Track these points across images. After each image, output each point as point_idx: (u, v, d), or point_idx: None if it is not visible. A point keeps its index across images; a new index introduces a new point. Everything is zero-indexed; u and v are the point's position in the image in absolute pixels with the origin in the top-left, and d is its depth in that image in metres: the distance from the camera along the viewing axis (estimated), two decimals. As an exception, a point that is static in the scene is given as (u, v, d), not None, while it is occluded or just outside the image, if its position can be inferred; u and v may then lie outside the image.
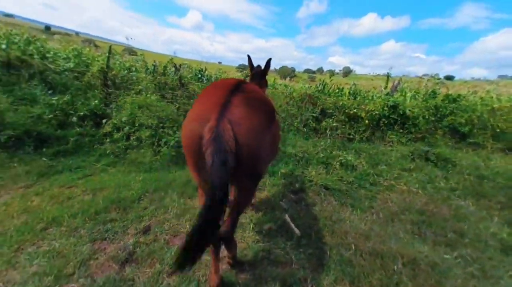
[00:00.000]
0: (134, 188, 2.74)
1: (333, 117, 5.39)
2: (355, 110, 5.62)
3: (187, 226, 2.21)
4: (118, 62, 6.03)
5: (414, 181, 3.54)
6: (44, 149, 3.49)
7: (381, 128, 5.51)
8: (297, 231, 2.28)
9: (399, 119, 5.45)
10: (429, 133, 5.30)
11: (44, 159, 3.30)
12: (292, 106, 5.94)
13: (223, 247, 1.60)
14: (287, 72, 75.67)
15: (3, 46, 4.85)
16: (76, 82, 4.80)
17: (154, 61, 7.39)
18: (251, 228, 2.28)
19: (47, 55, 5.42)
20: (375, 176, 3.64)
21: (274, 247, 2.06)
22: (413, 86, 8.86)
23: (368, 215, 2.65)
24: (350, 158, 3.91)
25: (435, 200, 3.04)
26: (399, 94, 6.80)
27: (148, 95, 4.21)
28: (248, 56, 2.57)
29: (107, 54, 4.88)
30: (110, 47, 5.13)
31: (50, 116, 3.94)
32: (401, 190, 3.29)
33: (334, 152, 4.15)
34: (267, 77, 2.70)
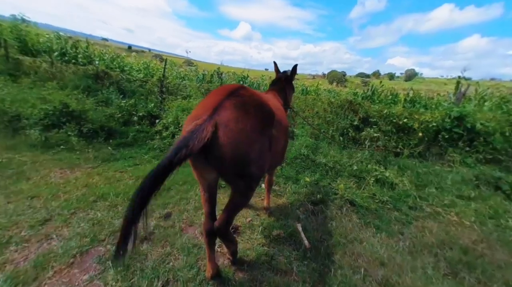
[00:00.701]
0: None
1: (376, 126, 4.87)
2: (405, 120, 4.96)
3: (202, 219, 2.37)
4: (175, 73, 7.01)
5: (471, 213, 2.88)
6: (110, 141, 4.30)
7: (440, 144, 4.69)
8: (306, 242, 2.17)
9: (466, 134, 4.52)
10: (508, 155, 4.21)
11: (109, 148, 4.07)
12: (329, 113, 5.65)
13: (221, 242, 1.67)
14: (336, 77, 71.94)
15: (96, 62, 6.30)
16: (141, 89, 5.78)
17: (203, 71, 8.23)
18: (260, 231, 2.29)
19: (125, 68, 6.78)
20: (418, 199, 3.12)
21: (278, 254, 2.02)
22: (497, 93, 7.22)
23: (394, 241, 2.29)
24: (388, 175, 3.47)
25: (490, 240, 2.40)
26: (470, 102, 5.66)
27: (191, 100, 4.73)
28: (274, 63, 2.65)
29: (164, 66, 5.71)
30: (166, 60, 6.00)
31: (118, 115, 4.86)
32: (449, 221, 2.73)
33: (370, 166, 3.75)
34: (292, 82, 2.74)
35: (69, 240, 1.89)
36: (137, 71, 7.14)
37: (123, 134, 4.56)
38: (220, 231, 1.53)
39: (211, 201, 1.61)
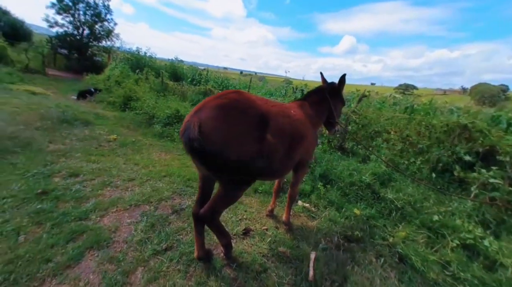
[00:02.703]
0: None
1: (500, 169, 3.26)
2: None
3: (236, 215, 2.54)
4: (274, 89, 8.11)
5: None
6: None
7: None
8: (311, 273, 1.85)
9: None
10: None
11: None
12: (426, 139, 4.34)
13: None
14: (487, 92, 45.55)
15: (207, 83, 8.23)
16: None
17: (296, 87, 8.73)
18: (268, 242, 2.18)
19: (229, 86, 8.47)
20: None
21: (273, 270, 1.86)
22: None
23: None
24: (490, 245, 2.28)
25: None
26: None
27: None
28: (321, 73, 2.52)
29: (249, 82, 6.57)
30: (251, 77, 6.86)
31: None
32: None
33: (465, 223, 2.59)
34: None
35: (134, 195, 2.63)
36: (233, 86, 8.91)
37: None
38: (203, 218, 1.65)
39: (203, 190, 1.80)
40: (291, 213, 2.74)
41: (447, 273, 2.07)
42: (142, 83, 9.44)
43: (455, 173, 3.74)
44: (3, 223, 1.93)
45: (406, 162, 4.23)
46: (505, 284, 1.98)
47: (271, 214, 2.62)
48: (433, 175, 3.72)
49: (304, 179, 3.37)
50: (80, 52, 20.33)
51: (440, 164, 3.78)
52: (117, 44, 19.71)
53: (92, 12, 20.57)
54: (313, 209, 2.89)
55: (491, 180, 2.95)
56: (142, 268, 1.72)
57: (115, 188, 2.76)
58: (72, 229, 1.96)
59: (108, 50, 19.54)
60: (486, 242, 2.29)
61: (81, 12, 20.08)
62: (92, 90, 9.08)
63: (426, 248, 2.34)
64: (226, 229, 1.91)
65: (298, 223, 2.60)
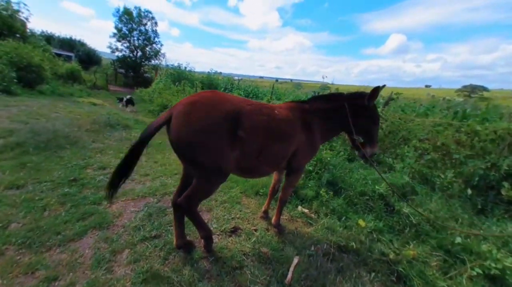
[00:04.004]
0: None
1: None
2: None
3: (230, 214, 2.58)
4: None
5: None
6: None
7: None
8: (289, 277, 1.74)
9: None
10: None
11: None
12: (467, 149, 3.67)
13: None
14: None
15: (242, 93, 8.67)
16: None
17: (318, 92, 8.51)
18: (253, 241, 2.13)
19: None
20: None
21: (250, 269, 1.81)
22: None
23: None
24: None
25: None
26: None
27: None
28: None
29: (272, 89, 6.64)
30: (273, 84, 6.92)
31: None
32: None
33: (494, 251, 2.08)
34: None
35: (144, 188, 2.89)
36: (264, 94, 9.29)
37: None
38: (179, 206, 1.74)
39: (183, 180, 1.90)
40: (285, 216, 2.64)
41: None
42: (179, 94, 10.43)
43: (503, 192, 3.07)
44: (38, 200, 2.34)
45: (437, 174, 3.65)
46: None
47: (265, 215, 2.56)
48: (468, 191, 3.11)
49: (309, 185, 3.20)
50: (134, 71, 23.96)
51: (477, 179, 3.15)
52: (163, 62, 22.48)
53: (143, 37, 24.24)
54: (312, 215, 2.71)
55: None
56: (129, 250, 1.86)
57: (131, 181, 3.08)
58: (85, 211, 2.26)
59: (155, 67, 22.35)
60: None
61: (135, 38, 23.93)
62: (124, 98, 10.08)
63: (437, 272, 1.96)
64: (207, 223, 1.95)
65: (292, 227, 2.47)
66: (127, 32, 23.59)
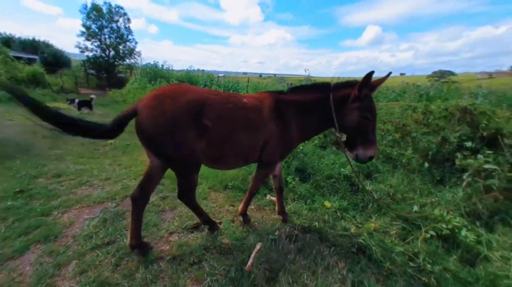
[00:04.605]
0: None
1: (494, 153, 2.72)
2: None
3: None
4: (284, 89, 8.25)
5: None
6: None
7: None
8: (249, 263, 1.70)
9: None
10: None
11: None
12: (426, 127, 3.84)
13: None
14: None
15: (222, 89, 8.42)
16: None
17: (291, 84, 8.48)
18: (215, 233, 2.06)
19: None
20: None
21: (209, 261, 1.74)
22: None
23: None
24: (465, 235, 1.93)
25: None
26: None
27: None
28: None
29: (247, 83, 6.47)
30: (248, 78, 6.76)
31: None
32: None
33: (444, 214, 2.20)
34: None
35: (102, 193, 2.68)
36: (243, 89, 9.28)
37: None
38: (134, 197, 1.77)
39: (146, 173, 1.83)
40: (252, 206, 2.60)
41: (413, 265, 1.77)
42: None
43: (457, 162, 3.24)
44: (-26, 218, 2.08)
45: (400, 152, 3.79)
46: (484, 279, 1.64)
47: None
48: (426, 164, 3.26)
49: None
50: (108, 71, 22.31)
51: (431, 153, 3.30)
52: (139, 61, 21.19)
53: (116, 35, 22.52)
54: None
55: (486, 166, 2.47)
56: (77, 261, 1.71)
57: (88, 187, 2.85)
58: (30, 224, 2.04)
59: (130, 67, 21.03)
60: (462, 233, 1.92)
61: (106, 36, 22.14)
62: (77, 100, 8.76)
63: (396, 240, 2.04)
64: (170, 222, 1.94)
65: (259, 216, 2.43)
66: (97, 30, 21.70)
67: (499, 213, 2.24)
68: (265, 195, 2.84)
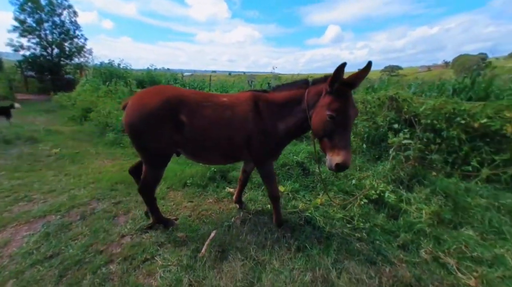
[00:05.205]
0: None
1: (408, 130, 3.22)
2: (486, 121, 3.12)
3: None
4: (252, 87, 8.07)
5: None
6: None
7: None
8: (204, 250, 1.79)
9: None
10: None
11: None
12: (365, 115, 4.34)
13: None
14: (468, 63, 39.69)
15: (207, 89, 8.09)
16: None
17: (252, 81, 8.59)
18: (170, 229, 2.08)
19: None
20: (430, 241, 1.85)
21: (162, 255, 1.77)
22: None
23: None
24: (387, 196, 2.33)
25: None
26: None
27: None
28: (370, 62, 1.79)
29: (209, 81, 6.39)
30: (210, 76, 6.71)
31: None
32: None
33: (377, 184, 2.57)
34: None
35: (44, 206, 2.46)
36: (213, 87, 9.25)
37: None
38: (139, 189, 1.99)
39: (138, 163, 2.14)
40: (211, 199, 2.66)
41: (349, 226, 2.08)
42: (110, 94, 9.10)
43: (389, 141, 3.75)
44: None
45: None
46: (403, 227, 2.03)
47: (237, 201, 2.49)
48: (364, 146, 3.70)
49: (236, 167, 3.28)
50: (52, 72, 19.15)
51: (366, 135, 3.78)
52: (90, 59, 18.77)
53: (59, 30, 19.39)
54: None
55: (404, 141, 2.95)
56: (15, 280, 1.58)
57: (27, 202, 2.58)
58: (-49, 252, 1.80)
59: (80, 67, 18.61)
60: (386, 195, 2.31)
61: (47, 32, 18.92)
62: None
63: (337, 209, 2.33)
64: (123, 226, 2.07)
65: (216, 207, 2.52)
66: (34, 25, 18.19)
67: (416, 177, 2.70)
68: (224, 188, 2.92)
